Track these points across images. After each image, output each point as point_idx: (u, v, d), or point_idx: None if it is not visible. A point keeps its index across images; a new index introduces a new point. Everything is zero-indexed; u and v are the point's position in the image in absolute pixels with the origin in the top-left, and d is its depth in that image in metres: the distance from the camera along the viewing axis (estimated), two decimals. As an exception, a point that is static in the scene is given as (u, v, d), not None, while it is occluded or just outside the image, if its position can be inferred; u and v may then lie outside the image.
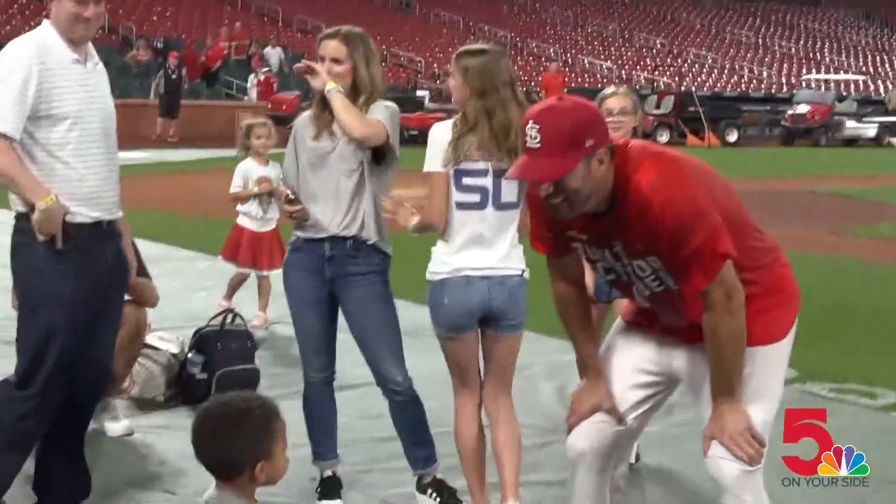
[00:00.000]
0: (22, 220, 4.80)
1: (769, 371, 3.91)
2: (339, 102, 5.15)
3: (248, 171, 9.20)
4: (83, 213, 4.79)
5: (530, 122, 3.66)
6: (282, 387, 7.19)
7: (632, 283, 3.94)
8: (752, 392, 3.85)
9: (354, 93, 5.24)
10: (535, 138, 3.63)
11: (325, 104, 5.26)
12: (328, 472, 5.54)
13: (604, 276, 4.08)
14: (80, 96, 4.80)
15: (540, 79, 41.56)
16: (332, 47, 5.25)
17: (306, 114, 5.45)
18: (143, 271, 6.30)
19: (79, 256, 4.79)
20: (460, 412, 5.21)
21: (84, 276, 4.81)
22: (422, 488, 5.46)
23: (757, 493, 3.84)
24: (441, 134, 4.99)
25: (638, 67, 52.33)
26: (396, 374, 5.30)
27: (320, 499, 5.46)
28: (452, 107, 5.20)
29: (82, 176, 4.78)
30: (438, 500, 5.39)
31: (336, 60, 5.24)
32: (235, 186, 9.26)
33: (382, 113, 5.22)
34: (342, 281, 5.30)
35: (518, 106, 4.96)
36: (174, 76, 32.41)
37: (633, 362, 4.10)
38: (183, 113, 32.74)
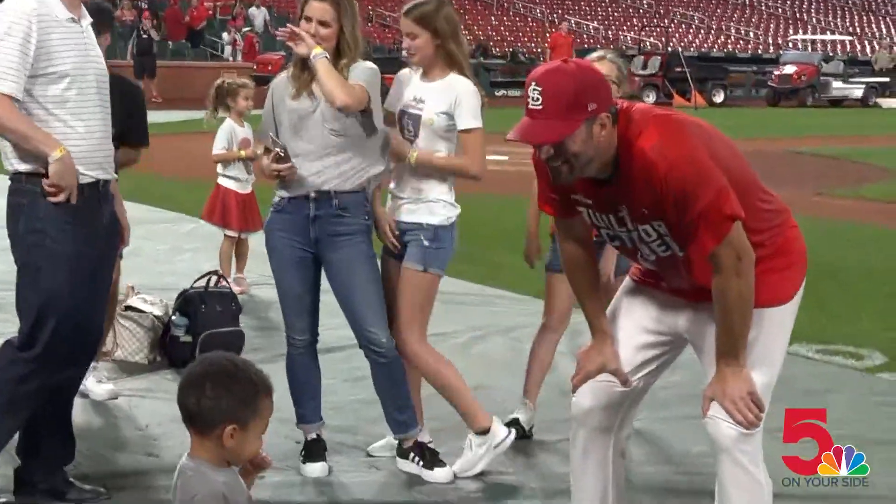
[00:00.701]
0: (19, 181, 4.75)
1: (774, 334, 3.89)
2: (323, 69, 5.11)
3: (234, 133, 9.12)
4: (82, 173, 4.75)
5: (533, 83, 3.62)
6: (264, 350, 7.17)
7: (637, 248, 3.91)
8: (756, 354, 3.82)
9: (337, 55, 5.19)
10: (538, 100, 3.60)
11: (304, 65, 5.22)
12: (312, 435, 5.51)
13: (609, 244, 4.05)
14: (77, 55, 4.76)
15: (549, 38, 41.37)
16: (319, 9, 5.18)
17: (283, 74, 5.40)
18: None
19: (79, 217, 4.75)
20: (433, 348, 5.43)
21: (84, 237, 4.78)
22: (403, 453, 5.46)
23: (754, 455, 3.82)
24: (476, 92, 5.29)
25: (625, 28, 52.19)
26: (380, 336, 5.28)
27: (305, 461, 5.44)
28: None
29: (81, 135, 4.75)
30: (421, 463, 5.39)
31: (323, 23, 5.17)
32: (221, 148, 9.16)
33: (362, 75, 5.18)
34: (327, 241, 5.28)
35: None
36: (146, 36, 32.34)
37: (639, 322, 4.08)
38: (166, 73, 32.56)
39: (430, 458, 5.39)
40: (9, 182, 4.79)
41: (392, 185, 5.44)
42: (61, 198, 4.66)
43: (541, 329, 5.96)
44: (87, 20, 4.90)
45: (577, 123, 3.60)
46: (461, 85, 5.26)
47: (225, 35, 37.07)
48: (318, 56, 5.12)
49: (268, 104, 5.38)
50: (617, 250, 4.10)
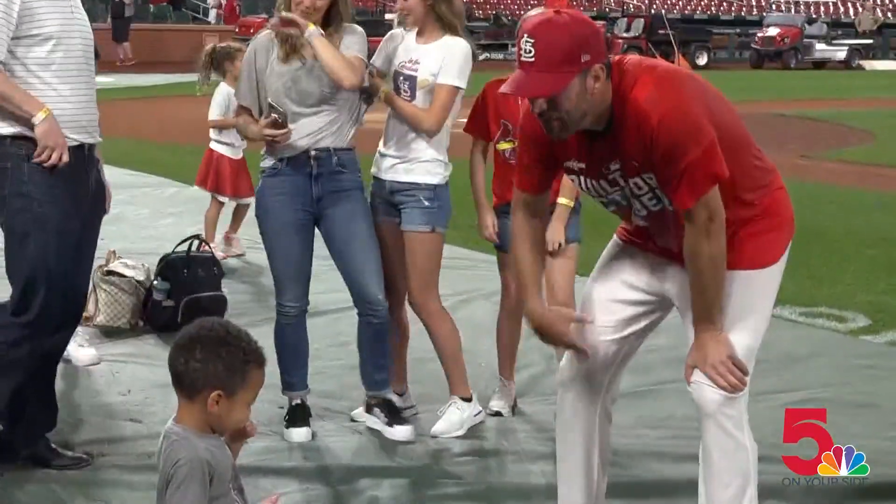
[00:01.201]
0: (3, 144, 4.70)
1: (758, 296, 3.86)
2: (321, 47, 5.12)
3: (230, 98, 9.03)
4: (67, 136, 4.71)
5: (525, 35, 3.56)
6: (248, 315, 7.14)
7: (630, 205, 3.87)
8: (740, 317, 3.80)
9: (325, 21, 5.19)
10: (530, 52, 3.54)
11: (293, 26, 5.18)
12: (297, 401, 5.50)
13: (606, 209, 4.01)
14: (62, 17, 4.72)
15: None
16: None
17: (263, 36, 5.36)
18: None
19: (65, 180, 4.72)
20: (447, 312, 5.56)
21: (70, 201, 4.76)
22: (369, 408, 5.52)
23: (738, 420, 3.79)
24: (469, 54, 5.31)
25: (608, -11, 51.99)
26: (377, 293, 5.31)
27: (288, 426, 5.43)
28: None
29: (65, 98, 4.72)
30: (386, 419, 5.43)
31: None
32: (218, 113, 9.04)
33: (357, 45, 5.22)
34: (329, 198, 5.29)
35: None
36: (118, 0, 32.42)
37: (626, 280, 4.04)
38: (147, 37, 32.48)
39: (393, 416, 5.43)
40: None
41: (382, 145, 5.45)
42: (54, 158, 4.63)
43: (501, 312, 5.87)
44: None
45: (571, 76, 3.55)
46: (455, 44, 5.29)
47: (210, -1, 36.98)
48: (313, 34, 5.11)
49: (249, 67, 5.34)
50: (614, 213, 4.05)
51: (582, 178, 3.87)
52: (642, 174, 3.72)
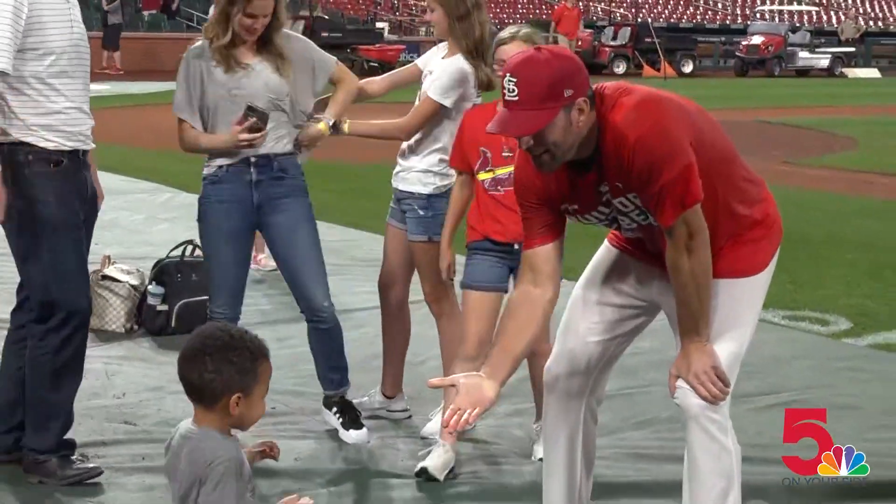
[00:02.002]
0: (2, 152, 4.75)
1: (744, 304, 3.92)
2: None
3: None
4: (61, 143, 4.78)
5: (508, 75, 3.62)
6: (241, 319, 7.17)
7: (619, 222, 3.93)
8: (726, 324, 3.85)
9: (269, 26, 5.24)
10: (513, 91, 3.60)
11: (234, 38, 5.22)
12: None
13: (609, 227, 4.05)
14: (63, 30, 4.78)
15: (551, 12, 41.14)
16: (264, 7, 5.17)
17: (198, 45, 5.31)
18: None
19: (63, 182, 4.79)
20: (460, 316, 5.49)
21: (71, 200, 4.83)
22: (328, 404, 5.56)
23: (722, 423, 3.84)
24: (467, 70, 5.33)
25: (594, -2, 52.03)
26: (322, 300, 5.37)
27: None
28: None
29: (60, 108, 4.77)
30: (340, 420, 5.49)
31: (266, 15, 5.20)
32: None
33: (315, 50, 5.42)
34: (269, 205, 5.32)
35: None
36: (103, 10, 32.59)
37: (615, 284, 4.10)
38: (142, 45, 32.54)
39: (350, 419, 5.49)
40: None
41: (398, 154, 5.59)
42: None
43: (459, 359, 5.06)
44: None
45: (554, 112, 3.59)
46: (451, 63, 5.36)
47: (212, 8, 37.00)
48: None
49: (185, 77, 5.29)
50: (605, 227, 4.11)
51: (579, 217, 3.93)
52: (626, 194, 3.77)
